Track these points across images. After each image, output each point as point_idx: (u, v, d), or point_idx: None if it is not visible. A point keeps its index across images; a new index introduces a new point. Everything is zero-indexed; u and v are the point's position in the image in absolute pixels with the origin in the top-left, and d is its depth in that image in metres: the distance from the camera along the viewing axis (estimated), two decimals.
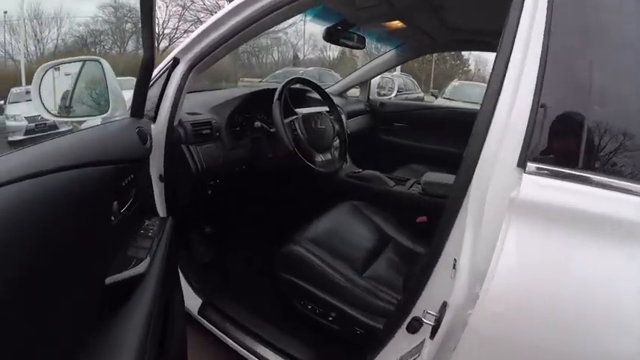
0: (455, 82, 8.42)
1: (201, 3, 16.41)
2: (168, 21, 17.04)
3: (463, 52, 19.91)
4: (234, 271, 1.67)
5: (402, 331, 0.87)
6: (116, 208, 0.84)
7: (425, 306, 0.80)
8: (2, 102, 8.88)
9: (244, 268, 1.69)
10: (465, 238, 0.67)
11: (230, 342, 1.30)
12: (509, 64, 0.64)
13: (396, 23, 1.77)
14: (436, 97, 8.00)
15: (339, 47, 19.04)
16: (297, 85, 1.77)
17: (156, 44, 1.09)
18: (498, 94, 0.64)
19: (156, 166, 1.29)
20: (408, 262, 1.36)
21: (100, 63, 1.12)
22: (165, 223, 1.06)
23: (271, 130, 1.55)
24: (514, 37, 0.65)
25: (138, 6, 0.97)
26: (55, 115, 1.15)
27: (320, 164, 1.59)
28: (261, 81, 11.49)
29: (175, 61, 1.28)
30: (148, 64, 1.04)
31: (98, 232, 0.79)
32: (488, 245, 0.61)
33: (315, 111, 1.75)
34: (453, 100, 7.26)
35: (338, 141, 1.82)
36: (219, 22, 1.19)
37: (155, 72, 1.32)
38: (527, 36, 0.63)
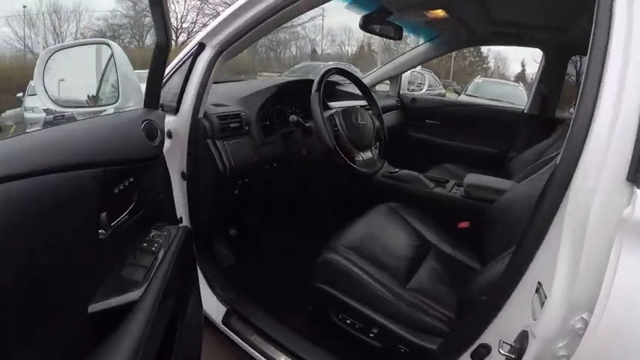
0: (478, 79, 8.21)
1: None
2: (187, 15, 17.07)
3: (482, 49, 19.59)
4: (262, 276, 1.56)
5: (466, 357, 0.77)
6: (105, 220, 0.72)
7: (497, 333, 0.70)
8: (21, 94, 8.98)
9: (272, 273, 1.58)
10: (559, 262, 0.57)
11: (257, 355, 1.20)
12: (607, 64, 0.55)
13: (437, 12, 1.65)
14: (459, 94, 7.83)
15: (357, 42, 18.99)
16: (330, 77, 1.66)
17: (171, 27, 0.97)
18: (596, 97, 0.55)
19: (178, 162, 1.20)
20: (451, 272, 1.26)
21: (110, 46, 1.02)
22: (176, 233, 0.94)
23: (307, 124, 1.43)
24: (608, 33, 0.56)
25: None
26: (60, 106, 1.04)
27: (360, 164, 1.46)
28: (280, 75, 11.38)
29: (201, 47, 1.18)
30: (163, 47, 0.92)
31: (78, 250, 0.67)
32: (592, 272, 0.52)
33: (351, 105, 1.63)
34: (475, 97, 7.08)
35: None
36: (250, 3, 1.08)
37: (178, 58, 1.23)
38: (627, 32, 0.54)
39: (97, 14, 15.94)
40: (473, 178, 1.57)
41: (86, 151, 0.71)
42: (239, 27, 1.11)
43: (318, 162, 1.47)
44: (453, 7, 1.63)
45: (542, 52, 2.21)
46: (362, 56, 18.72)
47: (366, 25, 1.62)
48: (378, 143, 1.67)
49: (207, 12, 16.64)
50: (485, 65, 21.40)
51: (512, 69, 20.87)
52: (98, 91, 1.13)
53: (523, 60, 20.04)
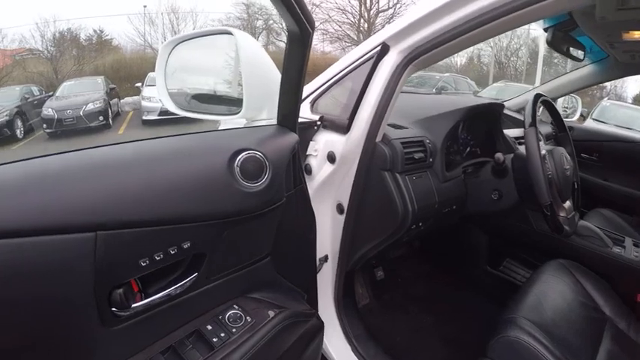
0: (605, 102, 7.20)
1: (332, 1, 16.20)
2: None
3: None
4: (403, 326, 1.34)
5: None
6: (123, 297, 0.53)
7: None
8: (140, 84, 9.84)
9: (415, 322, 1.35)
10: None
11: None
12: None
13: (634, 33, 1.33)
14: (585, 118, 6.93)
15: (466, 53, 17.99)
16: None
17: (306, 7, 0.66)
18: None
19: (335, 192, 1.01)
20: (628, 356, 1.00)
21: (234, 36, 0.78)
22: (270, 320, 0.68)
23: (503, 163, 1.17)
24: None
25: (268, 3, 0.65)
26: (183, 109, 0.85)
27: (564, 220, 1.13)
28: None
29: (384, 48, 0.94)
30: (296, 37, 0.65)
31: (70, 332, 0.51)
32: None
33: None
34: (603, 122, 6.22)
35: None
36: (444, 9, 0.85)
37: (350, 59, 1.01)
38: None
39: (212, 16, 17.16)
40: None
41: (85, 207, 0.49)
42: (434, 34, 0.88)
43: (507, 209, 1.20)
44: None
45: None
46: (471, 68, 17.77)
47: (556, 39, 1.33)
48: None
49: (319, 16, 16.77)
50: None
51: (630, 90, 18.25)
52: (221, 96, 0.96)
53: None
